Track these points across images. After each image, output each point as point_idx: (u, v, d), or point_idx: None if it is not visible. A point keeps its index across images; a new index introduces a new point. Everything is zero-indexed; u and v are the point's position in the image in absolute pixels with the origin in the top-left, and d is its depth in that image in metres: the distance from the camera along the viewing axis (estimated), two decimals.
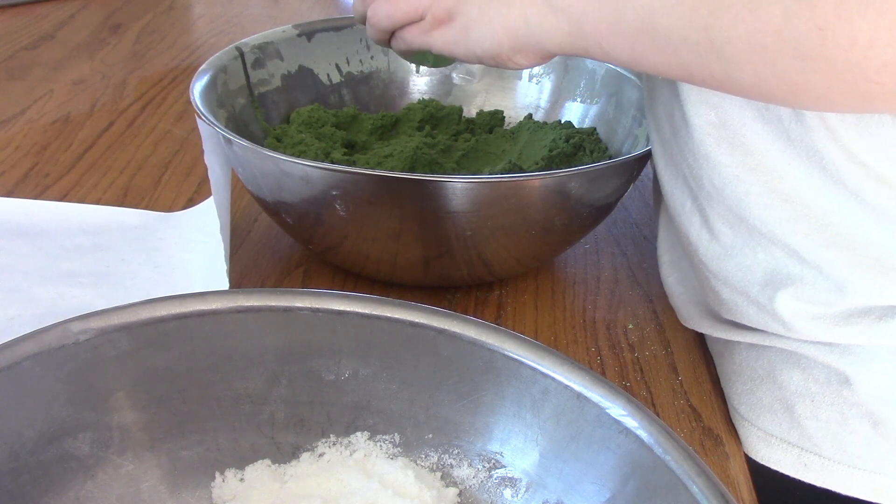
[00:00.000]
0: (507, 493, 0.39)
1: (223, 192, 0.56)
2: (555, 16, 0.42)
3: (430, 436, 0.40)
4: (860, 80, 0.33)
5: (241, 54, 0.66)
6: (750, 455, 0.49)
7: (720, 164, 0.43)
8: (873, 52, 0.32)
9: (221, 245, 0.54)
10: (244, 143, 0.52)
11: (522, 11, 0.43)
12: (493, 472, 0.39)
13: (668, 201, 0.50)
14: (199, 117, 0.56)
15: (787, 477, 0.48)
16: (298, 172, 0.51)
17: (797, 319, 0.44)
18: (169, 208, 0.68)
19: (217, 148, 0.56)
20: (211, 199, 0.56)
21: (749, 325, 0.48)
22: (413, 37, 0.49)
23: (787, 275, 0.44)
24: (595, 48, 0.41)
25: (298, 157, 0.58)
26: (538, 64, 0.46)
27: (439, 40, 0.47)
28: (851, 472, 0.46)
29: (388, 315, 0.40)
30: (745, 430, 0.50)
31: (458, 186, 0.50)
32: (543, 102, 0.73)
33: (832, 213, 0.41)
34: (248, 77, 0.66)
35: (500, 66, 0.47)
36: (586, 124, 0.69)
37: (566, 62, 0.72)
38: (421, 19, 0.48)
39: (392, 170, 0.60)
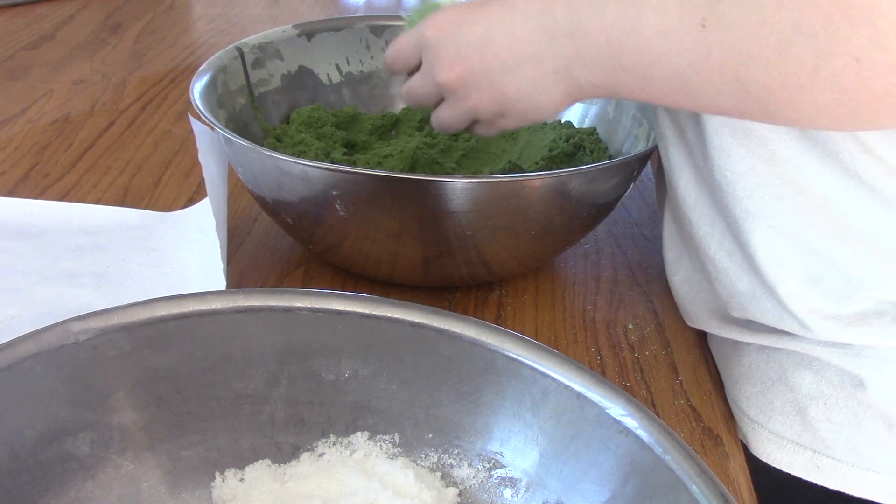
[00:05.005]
0: (507, 493, 0.39)
1: (219, 189, 0.56)
2: (592, 90, 0.43)
3: (430, 436, 0.40)
4: None
5: (241, 54, 0.66)
6: (760, 458, 0.49)
7: (736, 155, 0.43)
8: None
9: (218, 243, 0.54)
10: (244, 143, 0.52)
11: (562, 90, 0.44)
12: (493, 472, 0.39)
13: (678, 196, 0.49)
14: (192, 116, 0.56)
15: (793, 477, 0.48)
16: (298, 172, 0.51)
17: (811, 317, 0.44)
18: (169, 208, 0.68)
19: (212, 146, 0.56)
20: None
21: (761, 322, 0.47)
22: (484, 131, 0.51)
23: (798, 269, 0.44)
24: (634, 99, 0.42)
25: (298, 157, 0.57)
26: None
27: (505, 125, 0.49)
28: (866, 474, 0.46)
29: (388, 315, 0.40)
30: (754, 433, 0.49)
31: (458, 186, 0.50)
32: None
33: (846, 204, 0.41)
34: (248, 77, 0.66)
35: None
36: (586, 124, 0.69)
37: None
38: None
39: (392, 170, 0.60)
